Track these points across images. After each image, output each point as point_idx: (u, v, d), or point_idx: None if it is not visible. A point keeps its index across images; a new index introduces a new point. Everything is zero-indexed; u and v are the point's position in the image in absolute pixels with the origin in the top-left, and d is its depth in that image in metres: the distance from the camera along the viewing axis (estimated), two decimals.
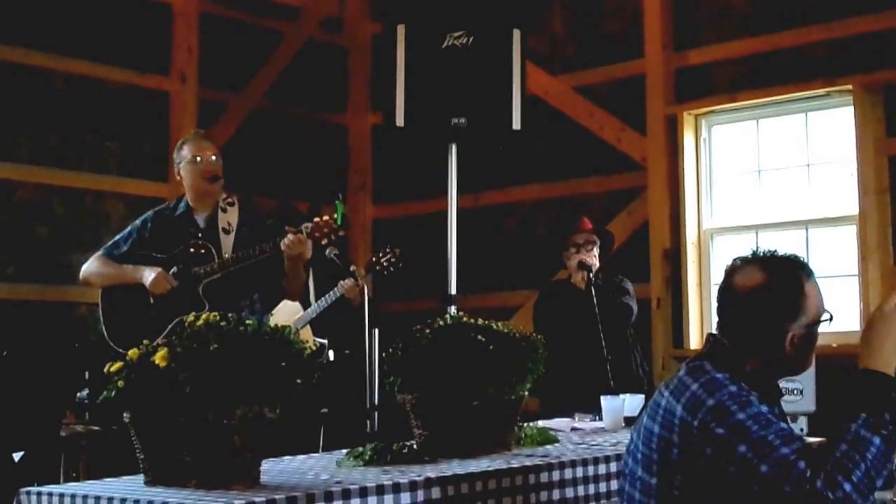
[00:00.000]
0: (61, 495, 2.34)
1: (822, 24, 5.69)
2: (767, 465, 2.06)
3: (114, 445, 4.53)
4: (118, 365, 2.38)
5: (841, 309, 5.49)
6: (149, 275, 4.06)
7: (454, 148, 4.63)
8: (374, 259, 5.05)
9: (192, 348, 2.32)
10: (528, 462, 2.76)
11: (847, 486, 1.99)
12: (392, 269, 4.96)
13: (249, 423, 2.33)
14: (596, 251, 4.89)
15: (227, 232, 4.13)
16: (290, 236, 3.92)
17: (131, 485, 2.40)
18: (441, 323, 3.04)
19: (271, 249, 3.96)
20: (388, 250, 4.99)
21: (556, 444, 3.16)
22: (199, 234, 4.14)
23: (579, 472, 2.82)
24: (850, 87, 5.61)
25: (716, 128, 6.24)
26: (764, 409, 2.18)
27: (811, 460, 2.05)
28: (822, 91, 5.75)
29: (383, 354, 3.06)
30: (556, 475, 2.75)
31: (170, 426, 2.31)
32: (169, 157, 6.40)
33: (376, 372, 4.38)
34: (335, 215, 3.98)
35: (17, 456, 4.84)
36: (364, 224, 7.37)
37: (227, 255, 4.07)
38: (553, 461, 2.78)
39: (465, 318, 3.06)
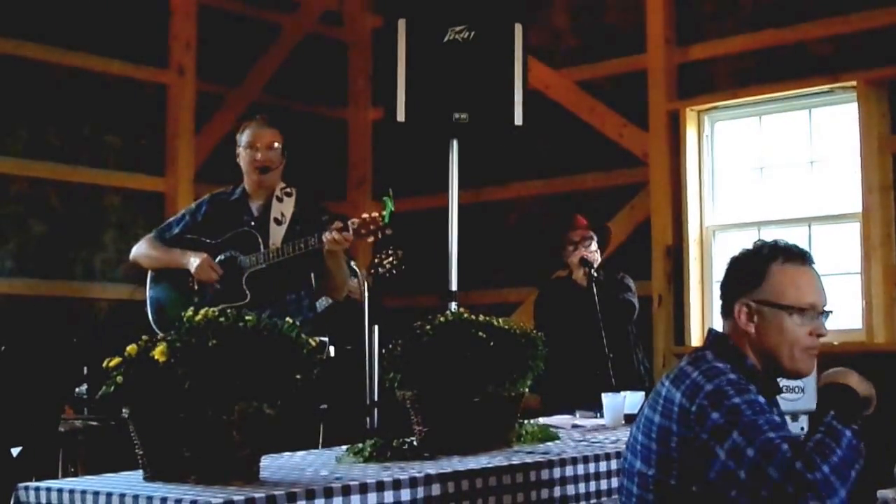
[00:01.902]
0: (59, 490, 2.33)
1: (826, 19, 5.67)
2: (754, 448, 2.10)
3: (112, 441, 4.52)
4: (117, 360, 2.37)
5: (843, 307, 5.47)
6: (194, 261, 3.99)
7: (455, 143, 4.61)
8: (375, 261, 5.02)
9: (191, 344, 2.31)
10: (528, 459, 2.74)
11: (825, 468, 2.05)
12: (394, 271, 4.93)
13: (249, 419, 2.32)
14: (595, 246, 4.88)
15: (279, 223, 4.05)
16: (334, 232, 3.82)
17: (130, 480, 2.38)
18: (441, 319, 3.02)
19: (317, 244, 3.88)
20: (389, 252, 4.96)
21: (557, 442, 3.15)
22: (252, 223, 4.08)
23: (580, 469, 2.81)
24: (854, 83, 5.58)
25: (718, 124, 6.21)
26: (762, 399, 2.22)
27: (794, 445, 2.11)
28: (825, 87, 5.72)
29: (383, 351, 3.05)
30: (556, 472, 2.75)
31: (169, 422, 2.30)
32: (165, 151, 6.43)
33: (376, 368, 4.36)
34: (383, 212, 3.88)
35: (15, 451, 4.82)
36: None
37: (273, 246, 4.00)
38: (553, 458, 2.77)
39: (465, 315, 3.05)
